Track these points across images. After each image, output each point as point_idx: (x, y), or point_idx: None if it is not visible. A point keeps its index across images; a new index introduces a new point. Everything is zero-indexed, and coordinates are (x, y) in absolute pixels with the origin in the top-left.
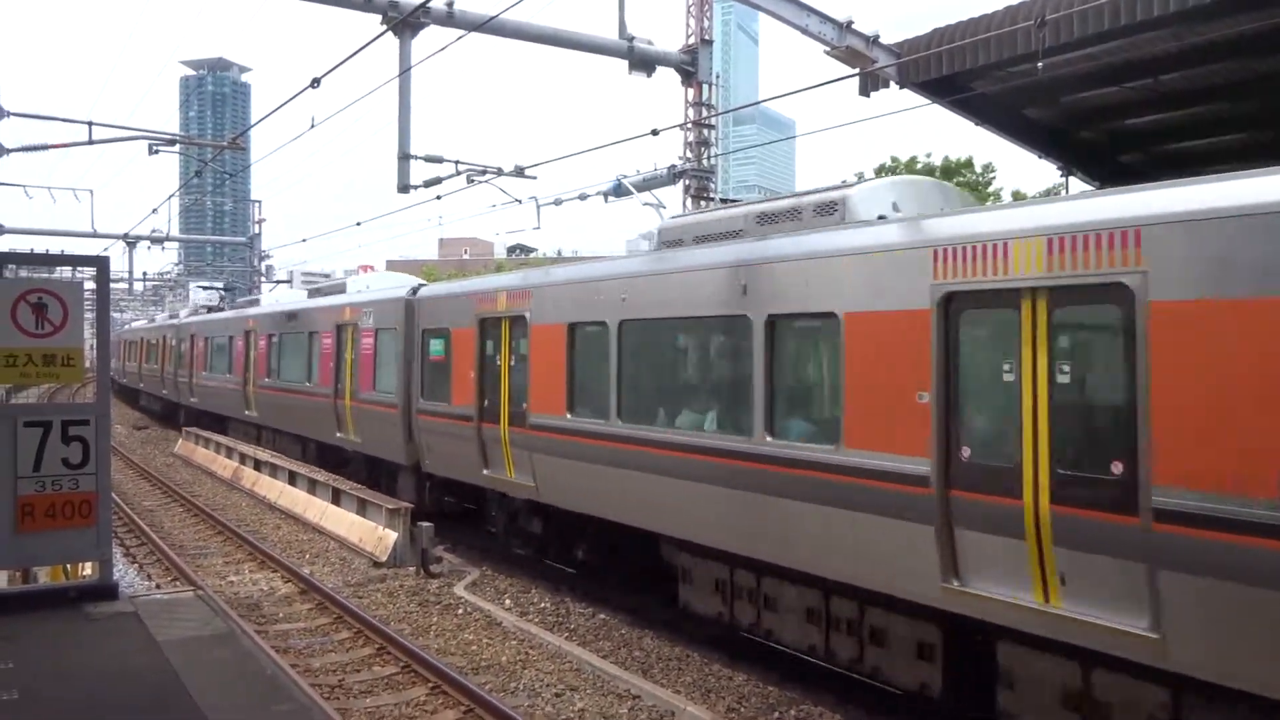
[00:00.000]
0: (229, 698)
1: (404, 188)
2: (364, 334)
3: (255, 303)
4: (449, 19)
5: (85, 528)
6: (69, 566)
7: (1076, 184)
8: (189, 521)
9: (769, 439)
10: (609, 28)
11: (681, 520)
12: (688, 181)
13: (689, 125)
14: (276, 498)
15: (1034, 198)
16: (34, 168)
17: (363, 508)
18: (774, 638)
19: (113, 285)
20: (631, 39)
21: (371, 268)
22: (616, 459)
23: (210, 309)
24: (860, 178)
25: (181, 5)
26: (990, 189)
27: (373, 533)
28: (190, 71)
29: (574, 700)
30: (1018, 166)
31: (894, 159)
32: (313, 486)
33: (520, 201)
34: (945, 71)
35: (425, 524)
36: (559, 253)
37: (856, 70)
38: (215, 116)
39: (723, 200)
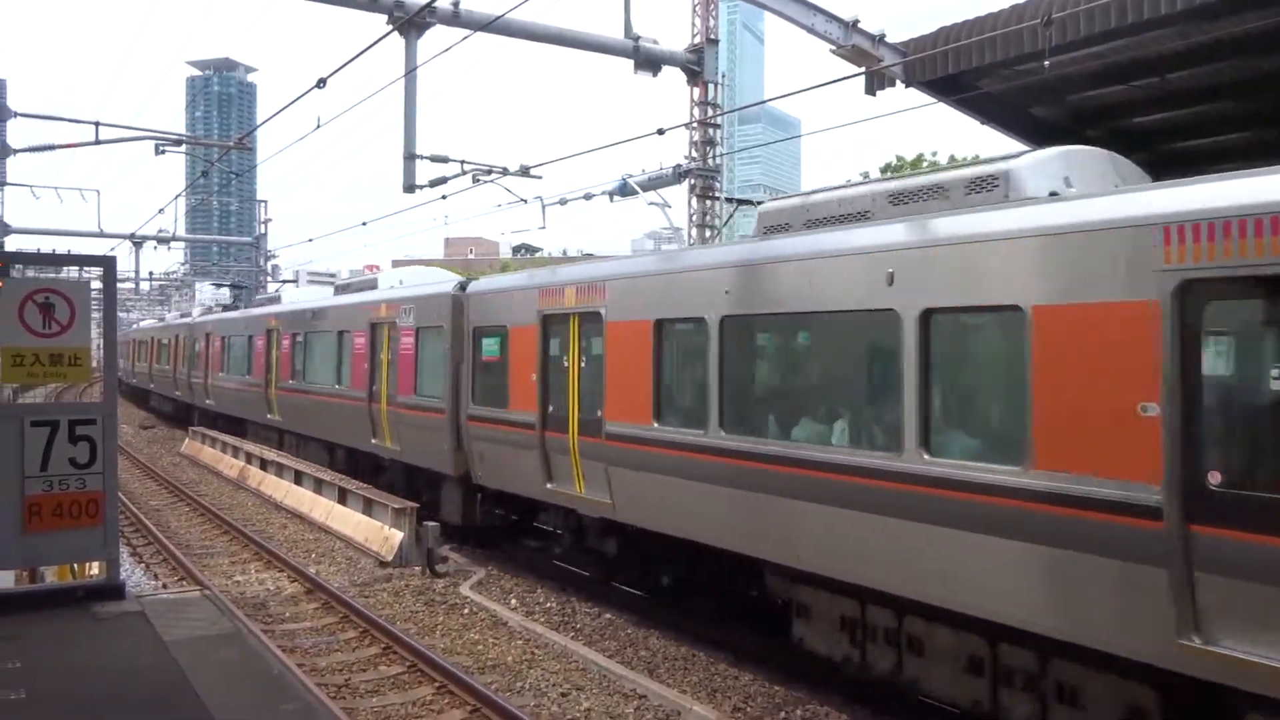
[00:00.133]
0: (236, 697)
1: (409, 187)
2: (403, 332)
3: (276, 300)
4: (455, 19)
5: (92, 527)
6: (76, 566)
7: None
8: (195, 521)
9: (925, 456)
10: (615, 27)
11: (798, 547)
12: (693, 181)
13: (694, 125)
14: (283, 497)
15: None
16: (41, 168)
17: (369, 507)
18: (919, 687)
19: (119, 285)
20: (637, 38)
21: (377, 267)
22: (717, 475)
23: (226, 307)
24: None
25: (188, 6)
26: None
27: (379, 532)
28: (196, 72)
29: (580, 700)
30: None
31: (899, 158)
32: (319, 486)
33: (526, 201)
34: (951, 70)
35: (431, 524)
36: (564, 252)
37: (862, 69)
38: (221, 117)
39: (849, 182)
